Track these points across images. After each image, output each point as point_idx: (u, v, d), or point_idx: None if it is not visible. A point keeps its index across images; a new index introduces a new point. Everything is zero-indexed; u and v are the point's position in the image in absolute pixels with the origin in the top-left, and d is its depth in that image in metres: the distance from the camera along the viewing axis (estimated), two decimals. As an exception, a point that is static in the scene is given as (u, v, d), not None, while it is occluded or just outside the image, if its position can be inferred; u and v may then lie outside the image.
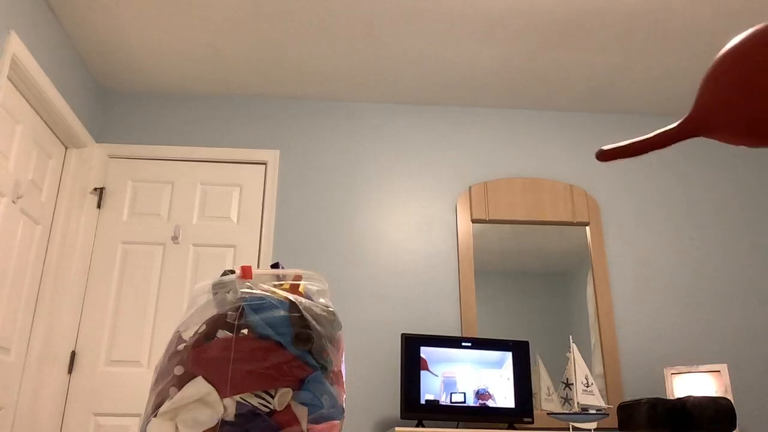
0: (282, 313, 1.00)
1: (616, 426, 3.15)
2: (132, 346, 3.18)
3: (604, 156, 0.77)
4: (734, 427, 2.38)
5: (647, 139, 0.75)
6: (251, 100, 3.69)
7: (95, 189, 3.40)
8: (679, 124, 0.75)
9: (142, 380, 3.13)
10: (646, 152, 0.75)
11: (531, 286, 3.39)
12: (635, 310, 3.41)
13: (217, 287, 1.03)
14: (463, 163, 3.64)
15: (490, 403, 2.87)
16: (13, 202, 2.78)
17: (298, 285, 1.06)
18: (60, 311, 3.12)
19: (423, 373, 2.85)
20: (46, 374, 3.02)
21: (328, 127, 3.66)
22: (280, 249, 3.38)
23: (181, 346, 1.00)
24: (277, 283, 1.06)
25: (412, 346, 2.89)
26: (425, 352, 2.89)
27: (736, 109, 0.69)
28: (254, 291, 1.01)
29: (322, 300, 1.07)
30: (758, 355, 3.37)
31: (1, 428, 2.75)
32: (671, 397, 2.97)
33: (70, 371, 3.12)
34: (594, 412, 2.71)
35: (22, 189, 2.83)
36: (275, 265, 1.18)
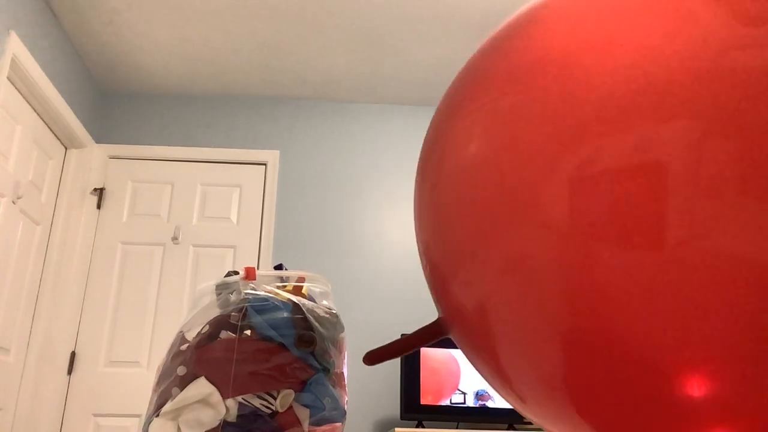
0: (285, 314, 1.00)
1: (616, 427, 3.15)
2: (132, 347, 3.17)
3: (369, 360, 0.74)
4: (734, 428, 2.38)
5: (407, 339, 0.72)
6: (251, 100, 3.69)
7: (95, 189, 3.40)
8: (433, 323, 0.71)
9: (141, 381, 3.13)
10: (407, 352, 0.73)
11: (530, 287, 3.39)
12: (634, 311, 3.42)
13: (221, 288, 1.03)
14: (463, 164, 3.64)
15: (490, 404, 2.87)
16: (13, 202, 2.78)
17: (302, 287, 1.06)
18: (60, 311, 3.12)
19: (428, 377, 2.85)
20: (46, 375, 3.02)
21: (328, 128, 3.66)
22: (280, 250, 3.38)
23: (184, 347, 1.00)
24: (281, 284, 1.06)
25: (411, 346, 2.89)
26: (438, 364, 2.89)
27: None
28: (258, 292, 1.02)
29: (325, 302, 1.07)
30: (757, 356, 3.38)
31: (0, 429, 2.75)
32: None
33: (69, 372, 3.11)
34: (593, 413, 2.72)
35: (22, 189, 2.83)
36: (279, 267, 1.18)
